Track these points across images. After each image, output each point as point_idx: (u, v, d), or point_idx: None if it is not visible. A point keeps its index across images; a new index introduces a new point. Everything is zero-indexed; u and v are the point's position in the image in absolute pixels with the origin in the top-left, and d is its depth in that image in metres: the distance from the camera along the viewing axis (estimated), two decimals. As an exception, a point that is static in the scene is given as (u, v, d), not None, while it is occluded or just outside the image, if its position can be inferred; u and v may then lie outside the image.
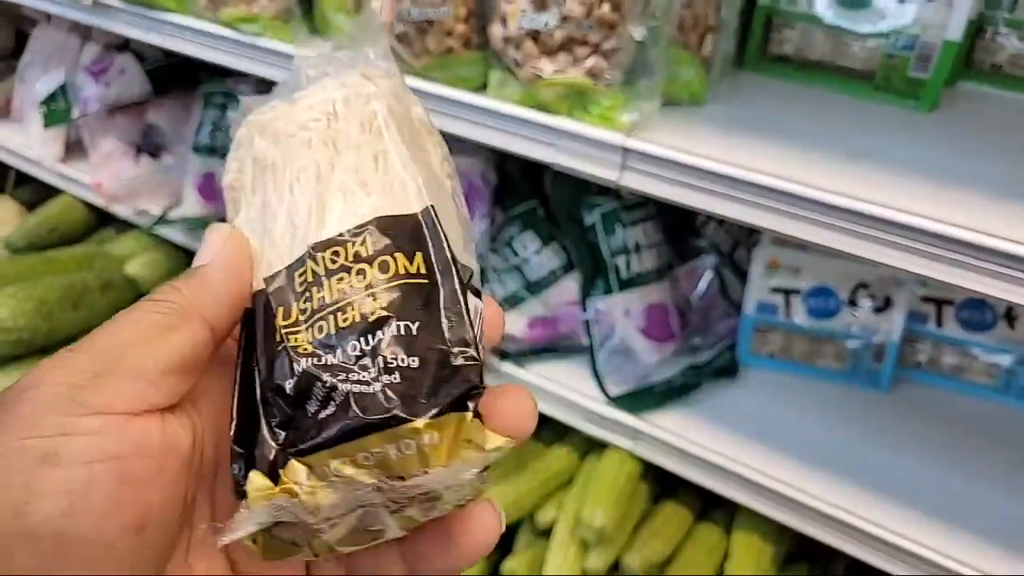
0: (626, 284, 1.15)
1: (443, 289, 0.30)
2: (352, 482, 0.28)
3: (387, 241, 0.31)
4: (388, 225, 0.31)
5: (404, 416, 0.27)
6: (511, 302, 1.22)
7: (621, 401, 1.12)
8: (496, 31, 0.86)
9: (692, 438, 1.07)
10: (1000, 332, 1.11)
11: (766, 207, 0.79)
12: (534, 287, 1.21)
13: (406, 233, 0.31)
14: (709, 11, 0.90)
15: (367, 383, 0.28)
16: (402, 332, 0.29)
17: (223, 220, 1.16)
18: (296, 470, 0.27)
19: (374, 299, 0.30)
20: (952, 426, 1.09)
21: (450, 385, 0.28)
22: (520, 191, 1.23)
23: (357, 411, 0.27)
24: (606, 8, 0.80)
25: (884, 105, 0.95)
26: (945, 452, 1.05)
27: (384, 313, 0.29)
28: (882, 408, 1.13)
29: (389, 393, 0.27)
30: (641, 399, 1.13)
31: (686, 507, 1.17)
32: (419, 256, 0.31)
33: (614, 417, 1.12)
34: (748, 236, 1.24)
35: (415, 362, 0.28)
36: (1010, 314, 1.10)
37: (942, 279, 0.73)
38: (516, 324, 1.22)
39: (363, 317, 0.29)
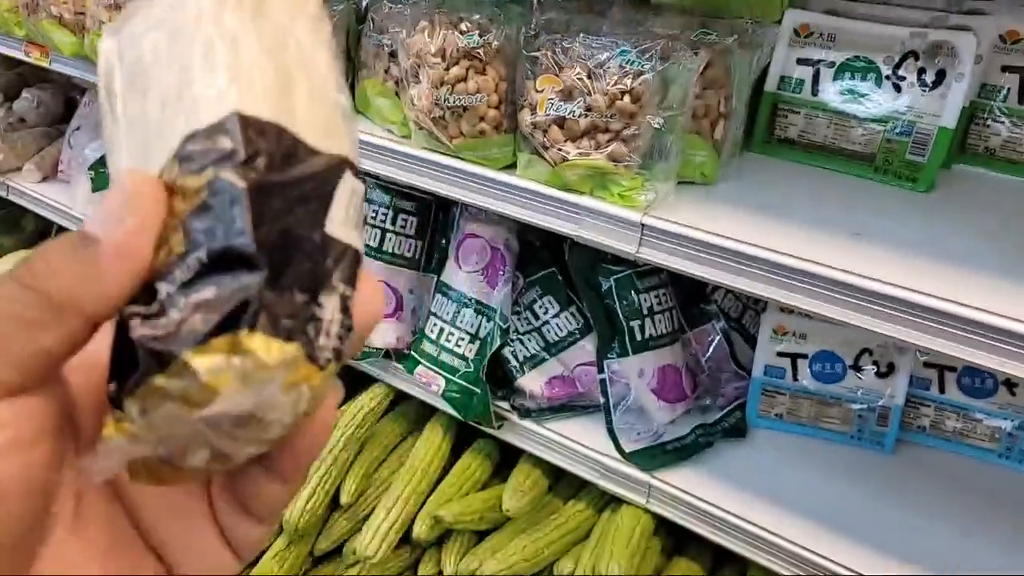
0: (640, 347, 1.21)
1: None
2: (162, 419, 0.28)
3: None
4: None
5: (173, 352, 0.26)
6: (532, 362, 1.28)
7: (634, 458, 1.17)
8: (525, 117, 0.95)
9: (702, 495, 1.12)
10: (1001, 398, 1.16)
11: (770, 279, 0.86)
12: (553, 348, 1.28)
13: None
14: (721, 100, 0.98)
15: (162, 321, 0.27)
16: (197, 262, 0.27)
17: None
18: (128, 410, 0.28)
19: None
20: (955, 489, 1.13)
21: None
22: (541, 258, 1.30)
23: (144, 353, 0.27)
24: (627, 100, 0.88)
25: (883, 186, 1.02)
26: (948, 514, 1.09)
27: (182, 249, 0.27)
28: (887, 470, 1.17)
29: (171, 330, 0.26)
30: (654, 456, 1.18)
31: (698, 563, 1.21)
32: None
33: (628, 473, 1.17)
34: (755, 302, 1.31)
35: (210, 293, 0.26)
36: (1010, 381, 1.16)
37: (937, 350, 0.79)
38: (536, 382, 1.28)
39: (171, 252, 0.27)
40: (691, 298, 1.31)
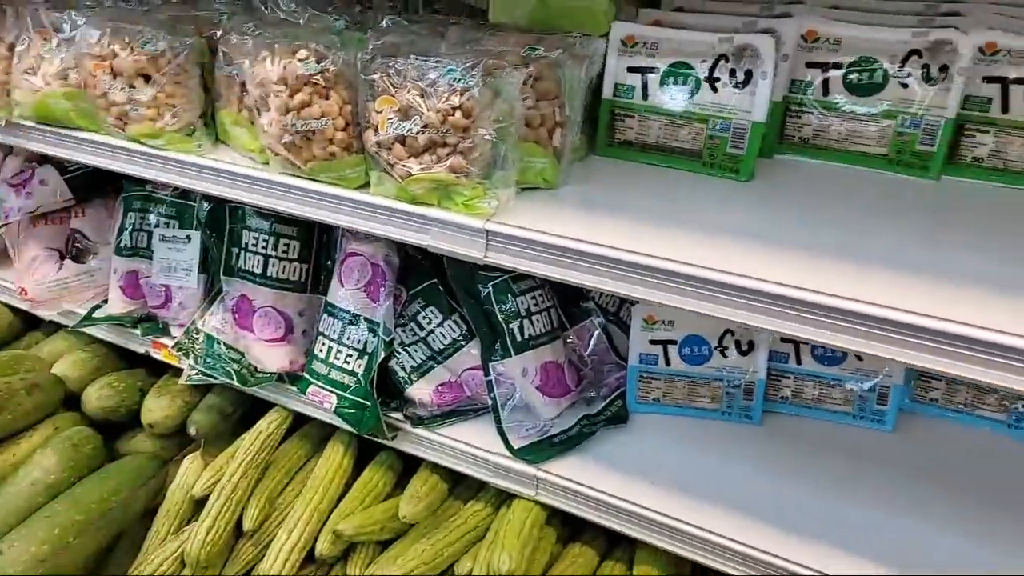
0: (522, 347, 1.27)
1: None
2: None
3: None
4: None
5: None
6: (420, 372, 1.33)
7: (523, 453, 1.22)
8: (370, 137, 1.00)
9: (587, 482, 1.18)
10: (851, 363, 1.26)
11: (605, 272, 0.92)
12: (439, 356, 1.33)
13: None
14: (556, 109, 1.05)
15: None
16: None
17: (147, 317, 1.25)
18: None
19: None
20: (818, 451, 1.22)
21: None
22: (422, 270, 1.35)
23: None
24: (458, 115, 0.94)
25: (711, 178, 1.11)
26: (814, 475, 1.17)
27: None
28: (757, 440, 1.25)
29: None
30: (541, 450, 1.23)
31: (591, 548, 1.27)
32: None
33: (517, 468, 1.22)
34: (629, 295, 1.38)
35: None
36: (856, 347, 1.25)
37: (763, 327, 0.87)
38: (425, 391, 1.32)
39: None
40: (570, 297, 1.38)
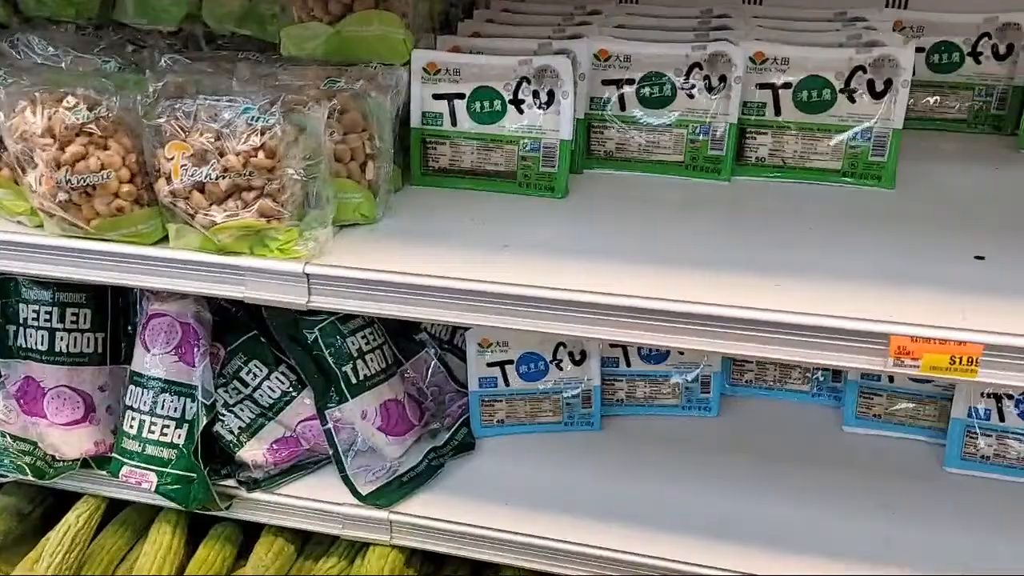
0: (358, 389, 1.21)
1: None
2: None
3: None
4: None
5: None
6: (249, 431, 1.23)
7: (371, 498, 1.17)
8: (162, 187, 0.91)
9: (442, 516, 1.15)
10: (674, 358, 1.34)
11: (434, 303, 0.91)
12: (270, 411, 1.24)
13: None
14: (365, 142, 1.02)
15: None
16: None
17: None
18: None
19: None
20: (656, 446, 1.28)
21: None
22: (238, 323, 1.25)
23: None
24: (261, 156, 0.89)
25: (528, 197, 1.13)
26: (655, 470, 1.22)
27: None
28: (600, 445, 1.29)
29: None
30: (391, 492, 1.19)
31: (455, 582, 1.24)
32: None
33: (367, 516, 1.17)
34: (461, 320, 1.37)
35: None
36: (677, 342, 1.33)
37: (580, 335, 0.89)
38: (258, 451, 1.23)
39: None
40: (401, 330, 1.34)
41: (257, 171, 0.89)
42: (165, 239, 0.97)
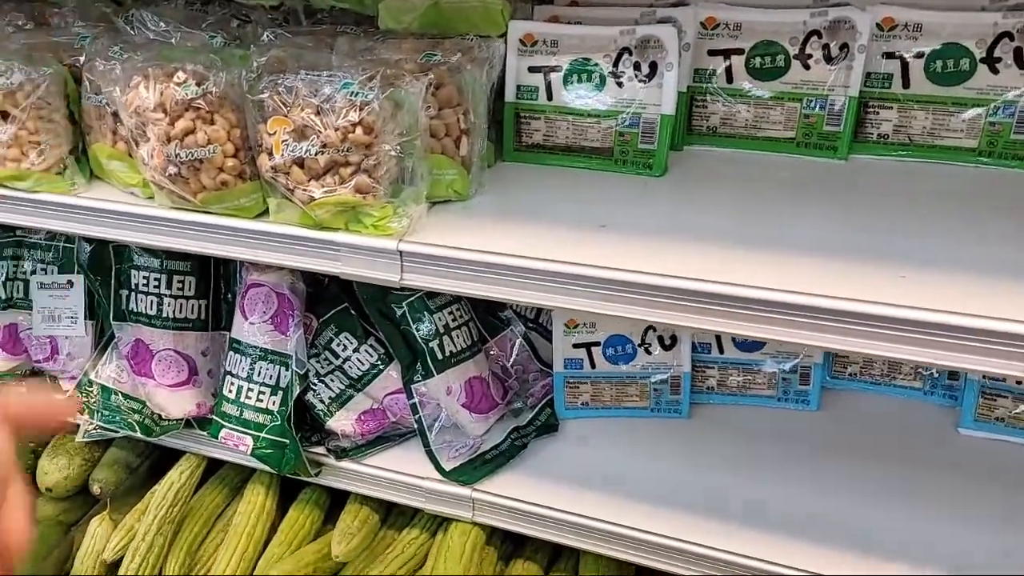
0: (443, 365, 1.22)
1: None
2: None
3: None
4: None
5: None
6: (339, 402, 1.26)
7: (455, 474, 1.18)
8: (264, 162, 0.93)
9: (523, 497, 1.15)
10: (771, 347, 1.28)
11: (531, 285, 0.89)
12: (358, 383, 1.26)
13: None
14: (460, 117, 1.01)
15: None
16: None
17: (33, 372, 1.17)
18: None
19: None
20: (747, 438, 1.23)
21: None
22: (331, 296, 1.28)
23: None
24: (359, 131, 0.88)
25: (624, 175, 1.09)
26: (743, 462, 1.18)
27: None
28: (687, 433, 1.25)
29: None
30: (474, 469, 1.19)
31: (534, 562, 1.23)
32: None
33: (450, 492, 1.17)
34: (550, 299, 1.36)
35: None
36: (775, 330, 1.27)
37: (682, 325, 0.85)
38: (346, 421, 1.26)
39: None
40: (487, 307, 1.34)
41: (355, 147, 0.89)
42: (265, 213, 0.99)
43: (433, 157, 0.98)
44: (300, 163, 0.91)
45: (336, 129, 0.88)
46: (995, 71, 1.01)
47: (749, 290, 0.81)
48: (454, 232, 0.95)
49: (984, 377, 1.16)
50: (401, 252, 0.92)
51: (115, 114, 1.00)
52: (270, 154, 0.92)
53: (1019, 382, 1.13)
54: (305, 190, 0.92)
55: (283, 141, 0.90)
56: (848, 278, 0.81)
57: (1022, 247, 0.87)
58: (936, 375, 1.25)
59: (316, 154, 0.90)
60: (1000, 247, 0.87)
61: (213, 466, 1.39)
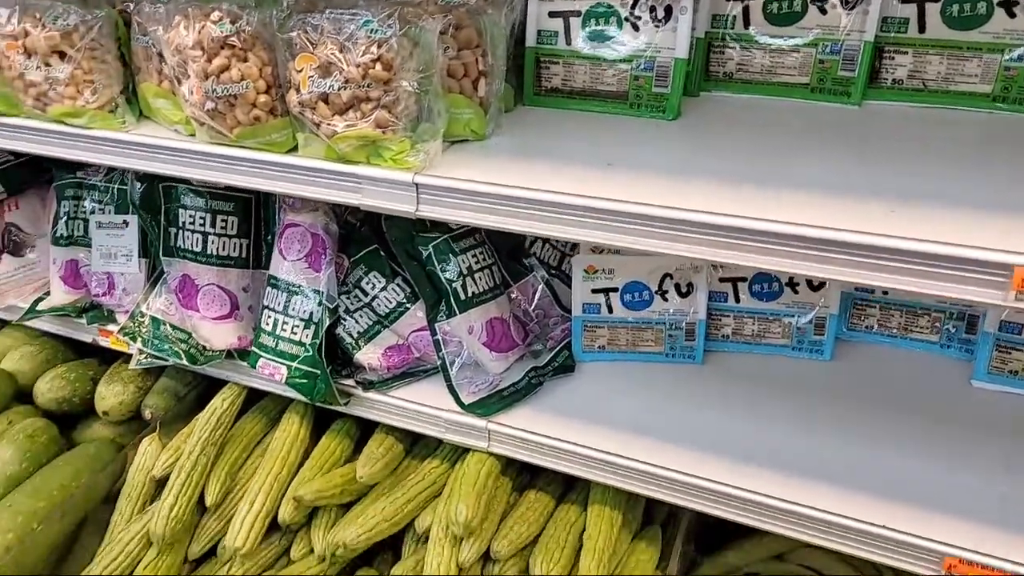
0: (466, 305, 1.28)
1: None
2: None
3: None
4: None
5: None
6: (367, 337, 1.33)
7: (473, 408, 1.24)
8: (292, 97, 0.99)
9: (538, 430, 1.20)
10: (787, 298, 1.29)
11: (540, 216, 0.93)
12: (385, 320, 1.33)
13: None
14: (478, 59, 1.05)
15: None
16: None
17: (92, 305, 1.24)
18: None
19: None
20: (759, 384, 1.25)
21: None
22: (361, 237, 1.35)
23: None
24: (379, 68, 0.94)
25: (638, 119, 1.12)
26: (754, 407, 1.20)
27: None
28: (700, 379, 1.29)
29: None
30: (492, 403, 1.25)
31: (547, 492, 1.29)
32: None
33: (468, 423, 1.24)
34: (572, 248, 1.40)
35: None
36: (792, 281, 1.29)
37: (703, 257, 0.88)
38: (374, 355, 1.33)
39: None
40: (512, 254, 1.39)
41: (374, 83, 0.94)
42: (295, 148, 1.06)
43: (451, 96, 1.03)
44: (325, 98, 0.97)
45: (357, 66, 0.94)
46: (1012, 15, 1.00)
47: (743, 220, 0.84)
48: (469, 168, 1.00)
49: (1000, 328, 1.15)
50: (417, 184, 0.98)
51: (160, 54, 1.08)
52: (298, 90, 0.98)
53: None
54: (330, 124, 0.98)
55: (309, 77, 0.96)
56: (842, 212, 0.83)
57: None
58: (952, 328, 1.24)
59: (339, 89, 0.96)
60: (1009, 188, 0.88)
61: (252, 398, 1.48)
